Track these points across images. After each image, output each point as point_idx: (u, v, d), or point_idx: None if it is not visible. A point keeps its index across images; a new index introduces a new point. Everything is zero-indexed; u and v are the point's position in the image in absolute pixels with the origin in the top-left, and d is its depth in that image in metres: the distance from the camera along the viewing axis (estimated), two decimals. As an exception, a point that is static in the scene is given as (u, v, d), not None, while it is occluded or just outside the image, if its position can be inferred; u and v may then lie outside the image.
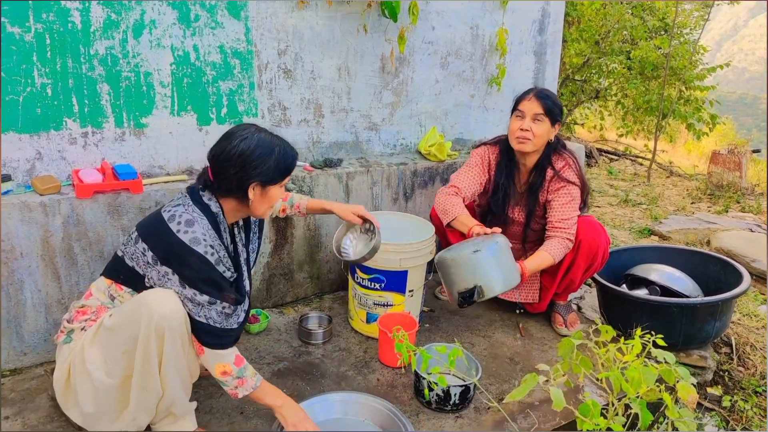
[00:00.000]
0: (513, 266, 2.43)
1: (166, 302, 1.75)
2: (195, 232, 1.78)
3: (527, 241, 2.89)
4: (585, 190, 2.78)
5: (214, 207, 1.89)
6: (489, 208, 2.90)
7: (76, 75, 2.41)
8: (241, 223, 2.06)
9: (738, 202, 5.76)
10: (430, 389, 2.21)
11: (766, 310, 3.42)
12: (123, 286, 1.89)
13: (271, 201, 1.94)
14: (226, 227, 1.93)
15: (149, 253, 1.81)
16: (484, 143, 2.93)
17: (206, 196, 1.90)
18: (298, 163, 2.99)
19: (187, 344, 1.83)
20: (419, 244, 2.68)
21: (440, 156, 3.39)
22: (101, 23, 2.42)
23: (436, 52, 3.40)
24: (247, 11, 2.73)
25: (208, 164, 1.90)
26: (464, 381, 2.29)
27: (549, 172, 2.73)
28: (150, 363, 1.76)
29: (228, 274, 1.90)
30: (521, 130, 2.64)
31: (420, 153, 3.50)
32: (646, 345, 1.55)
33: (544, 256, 2.63)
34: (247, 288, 2.07)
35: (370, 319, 2.76)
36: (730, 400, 2.63)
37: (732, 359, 2.96)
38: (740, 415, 2.60)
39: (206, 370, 2.35)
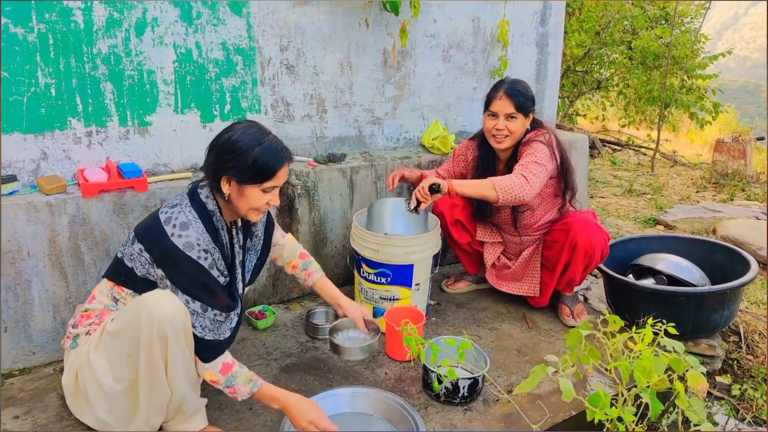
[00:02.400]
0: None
1: (166, 303, 1.74)
2: (189, 237, 1.76)
3: (520, 225, 2.88)
4: (567, 170, 2.75)
5: (210, 205, 1.86)
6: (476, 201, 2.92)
7: (79, 74, 2.41)
8: (240, 223, 2.02)
9: (743, 190, 5.74)
10: (440, 382, 2.22)
11: (773, 298, 3.42)
12: (124, 288, 1.88)
13: (250, 202, 1.83)
14: (224, 225, 1.90)
15: (145, 254, 1.81)
16: (469, 138, 3.03)
17: (204, 193, 1.88)
18: (302, 158, 3.01)
19: (191, 341, 1.82)
20: (425, 237, 2.68)
21: (444, 149, 3.38)
22: (103, 22, 2.41)
23: (438, 45, 3.39)
24: (248, 8, 2.73)
25: None
26: (472, 374, 2.29)
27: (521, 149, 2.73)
28: (155, 365, 1.76)
29: (222, 280, 1.88)
30: (497, 129, 2.68)
31: (423, 146, 3.49)
32: (657, 333, 1.55)
33: (484, 183, 2.53)
34: (240, 291, 2.03)
35: (376, 313, 2.76)
36: (740, 389, 2.63)
37: (740, 348, 2.96)
38: (750, 403, 2.59)
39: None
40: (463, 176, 2.98)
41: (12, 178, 2.33)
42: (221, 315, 1.86)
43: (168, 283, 1.79)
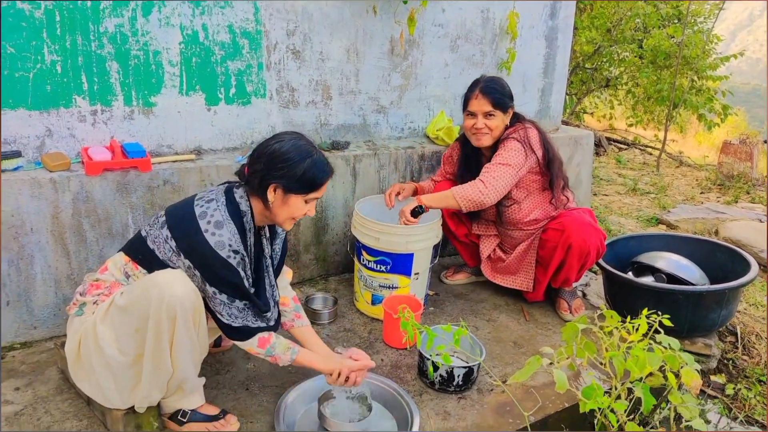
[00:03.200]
0: None
1: (178, 284, 1.76)
2: (222, 236, 1.79)
3: (506, 220, 2.88)
4: (550, 161, 2.74)
5: (243, 206, 1.89)
6: None
7: (85, 53, 2.41)
8: (268, 233, 2.05)
9: (748, 193, 5.72)
10: (435, 368, 2.23)
11: (772, 299, 3.41)
12: (139, 266, 1.89)
13: (291, 210, 1.90)
14: (252, 228, 1.92)
15: (172, 242, 1.82)
16: (456, 140, 3.07)
17: (239, 194, 1.90)
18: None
19: (198, 324, 1.84)
20: (426, 227, 2.68)
21: (448, 140, 3.38)
22: (111, 1, 2.42)
23: (446, 35, 3.38)
24: (256, -9, 2.73)
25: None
26: (467, 363, 2.30)
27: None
28: (161, 343, 1.77)
29: (248, 283, 1.90)
30: (475, 128, 2.70)
31: (428, 137, 3.50)
32: (652, 325, 1.56)
33: (444, 193, 2.64)
34: (276, 298, 2.07)
35: (375, 300, 2.77)
36: (734, 388, 2.63)
37: (737, 348, 2.96)
38: (743, 403, 2.60)
39: (213, 346, 2.39)
40: (455, 176, 2.98)
41: (17, 154, 2.34)
42: (249, 304, 1.89)
43: (196, 273, 1.81)
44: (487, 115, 2.67)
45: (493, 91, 2.66)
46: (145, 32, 2.52)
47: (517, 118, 2.78)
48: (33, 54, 2.31)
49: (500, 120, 2.69)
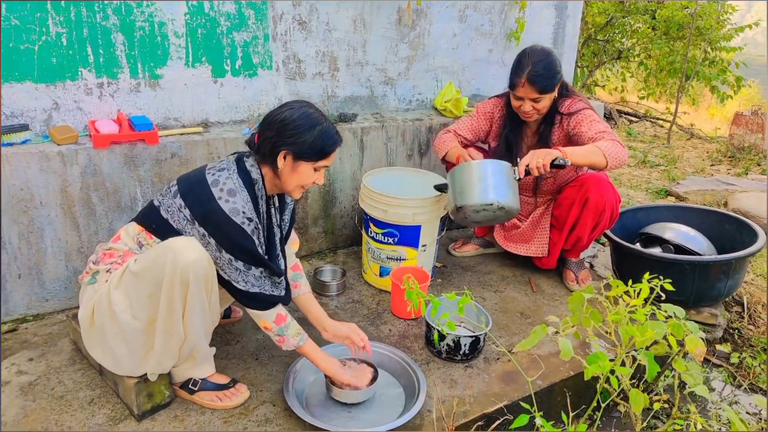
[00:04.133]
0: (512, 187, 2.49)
1: (192, 250, 1.78)
2: (236, 203, 1.81)
3: (539, 192, 2.88)
4: None
5: (255, 174, 1.90)
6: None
7: (90, 24, 2.40)
8: (277, 203, 2.06)
9: (759, 165, 5.66)
10: (441, 338, 2.25)
11: (781, 271, 3.40)
12: (153, 236, 1.91)
13: (301, 178, 1.92)
14: (264, 195, 1.94)
15: (186, 211, 1.83)
16: (494, 96, 2.94)
17: (249, 162, 1.92)
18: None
19: (210, 291, 1.87)
20: (433, 199, 2.68)
21: (456, 112, 3.36)
22: (115, -28, 2.40)
23: (454, 5, 3.34)
24: (261, -39, 2.70)
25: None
26: (474, 332, 2.32)
27: (557, 117, 2.71)
28: (174, 309, 1.80)
29: (261, 250, 1.92)
30: (523, 111, 2.64)
31: (436, 109, 3.48)
32: (654, 289, 1.56)
33: (592, 149, 2.46)
34: (283, 266, 2.07)
35: (383, 272, 2.79)
36: (739, 357, 2.64)
37: (742, 318, 2.97)
38: (747, 371, 2.61)
39: (224, 318, 2.42)
40: (486, 133, 2.92)
41: (24, 127, 2.35)
42: (266, 272, 1.91)
43: (211, 241, 1.82)
44: (535, 100, 2.59)
45: (540, 79, 2.53)
46: (150, 3, 2.50)
47: (565, 89, 2.72)
48: (38, 26, 2.31)
49: (548, 99, 2.62)
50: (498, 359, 2.32)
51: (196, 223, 1.82)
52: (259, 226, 1.88)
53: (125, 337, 1.86)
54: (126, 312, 1.84)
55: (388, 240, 2.72)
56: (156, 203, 1.92)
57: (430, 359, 2.32)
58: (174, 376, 2.02)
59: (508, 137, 2.81)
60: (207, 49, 2.68)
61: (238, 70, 2.79)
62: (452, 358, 2.29)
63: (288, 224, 2.16)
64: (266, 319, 1.96)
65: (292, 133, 1.84)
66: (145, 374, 1.92)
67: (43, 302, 2.49)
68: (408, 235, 2.70)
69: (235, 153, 1.99)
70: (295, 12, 2.86)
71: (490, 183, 2.43)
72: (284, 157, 1.88)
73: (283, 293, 2.00)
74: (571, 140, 2.70)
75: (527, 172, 2.43)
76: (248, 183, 1.87)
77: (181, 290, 1.78)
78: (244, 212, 1.81)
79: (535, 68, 2.53)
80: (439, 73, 3.47)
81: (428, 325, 2.33)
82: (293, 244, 2.30)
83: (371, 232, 2.77)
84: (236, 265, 1.85)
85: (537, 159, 2.40)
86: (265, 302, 1.93)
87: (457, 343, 2.25)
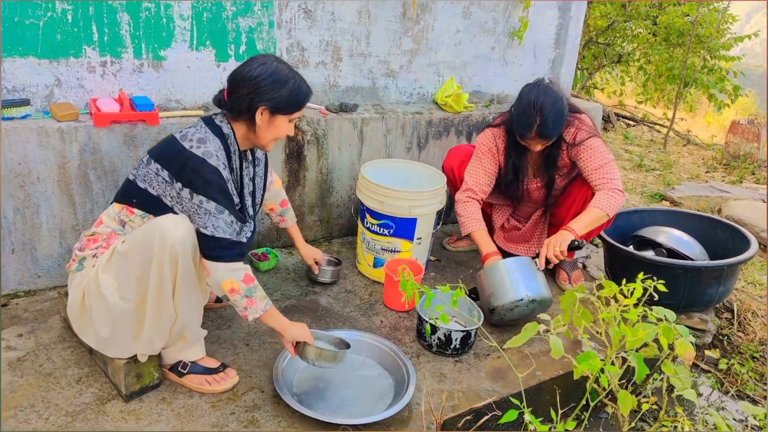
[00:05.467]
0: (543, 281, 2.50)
1: (179, 227, 1.78)
2: (207, 148, 1.84)
3: (549, 208, 2.89)
4: None
5: (225, 128, 1.93)
6: (504, 187, 2.86)
7: (96, 2, 2.39)
8: (250, 157, 2.09)
9: (753, 174, 5.70)
10: (434, 331, 2.26)
11: (770, 279, 3.44)
12: (135, 210, 1.91)
13: (277, 131, 1.96)
14: (237, 150, 1.97)
15: (164, 172, 1.84)
16: (489, 126, 2.83)
17: (218, 119, 1.95)
18: (314, 105, 3.01)
19: (200, 267, 1.87)
20: (430, 192, 2.69)
21: (456, 107, 3.37)
22: (122, -50, 2.39)
23: (458, 1, 3.33)
24: (269, -54, 2.69)
25: (226, 85, 1.95)
26: (465, 327, 2.33)
27: (563, 146, 2.68)
28: (164, 287, 1.80)
29: (235, 199, 1.94)
30: (534, 149, 2.60)
31: (436, 103, 3.48)
32: (647, 290, 1.58)
33: (593, 212, 2.50)
34: (251, 213, 2.12)
35: (377, 263, 2.80)
36: (727, 363, 2.67)
37: (732, 325, 3.00)
38: (735, 378, 2.64)
39: (214, 302, 2.42)
40: (495, 171, 2.80)
41: (25, 102, 2.34)
42: (236, 223, 1.90)
43: (184, 193, 1.82)
44: (545, 146, 2.59)
45: (552, 132, 2.48)
46: (155, -16, 2.49)
47: (570, 110, 2.64)
48: (44, 1, 2.29)
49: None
50: (488, 355, 2.34)
51: (174, 179, 1.83)
52: (231, 176, 1.91)
53: (115, 319, 1.86)
54: (115, 294, 1.84)
55: (383, 231, 2.73)
56: (131, 177, 1.93)
57: (420, 352, 2.33)
58: (164, 357, 2.02)
59: (515, 164, 2.76)
60: (212, 33, 2.67)
61: (241, 55, 2.78)
62: (443, 352, 2.30)
63: (262, 179, 2.21)
64: (233, 277, 1.85)
65: (269, 89, 1.88)
66: (135, 355, 1.92)
67: (36, 278, 2.48)
68: (403, 228, 2.71)
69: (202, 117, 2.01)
70: (301, 0, 2.85)
71: (516, 279, 2.44)
72: (261, 113, 1.90)
73: (246, 239, 2.03)
74: (575, 166, 2.70)
75: (548, 261, 2.46)
76: (220, 135, 1.90)
77: (170, 267, 1.78)
78: (217, 156, 1.84)
79: (545, 122, 2.44)
80: (441, 68, 3.47)
81: (420, 318, 2.34)
82: (275, 183, 2.48)
83: (367, 223, 2.78)
84: (207, 207, 1.82)
85: (554, 248, 2.43)
86: (228, 250, 1.85)
87: (448, 337, 2.26)
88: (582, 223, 2.49)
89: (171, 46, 2.60)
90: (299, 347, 2.01)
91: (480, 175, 2.77)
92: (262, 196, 2.25)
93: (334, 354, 2.03)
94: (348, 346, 2.14)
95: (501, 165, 2.79)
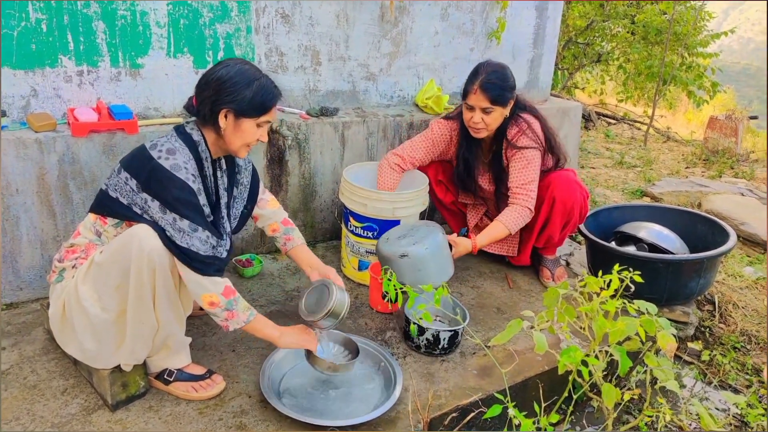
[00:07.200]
0: (448, 263, 2.46)
1: (156, 235, 1.77)
2: (176, 160, 1.79)
3: (501, 205, 2.90)
4: (554, 151, 2.78)
5: (195, 135, 1.89)
6: (458, 179, 2.93)
7: (71, 11, 2.38)
8: (224, 166, 2.03)
9: (732, 168, 5.78)
10: (421, 332, 2.27)
11: (751, 271, 3.48)
12: (107, 219, 1.89)
13: (245, 136, 1.89)
14: (209, 157, 1.92)
15: (132, 182, 1.81)
16: (446, 116, 2.89)
17: (189, 126, 1.92)
18: (295, 110, 3.01)
19: (177, 275, 1.85)
20: (413, 194, 2.70)
21: (437, 109, 3.39)
22: (97, -41, 2.38)
23: (436, 3, 3.36)
24: (245, -48, 2.69)
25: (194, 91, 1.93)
26: (451, 327, 2.34)
27: (504, 143, 2.72)
28: (143, 295, 1.79)
29: (207, 210, 1.88)
30: (473, 122, 2.63)
31: (417, 105, 3.50)
32: (623, 281, 1.60)
33: (497, 228, 2.63)
34: (228, 230, 2.04)
35: (362, 266, 2.80)
36: (709, 355, 2.71)
37: (714, 316, 3.03)
38: (718, 368, 2.68)
39: (199, 309, 2.41)
40: (441, 156, 2.92)
41: (1, 114, 2.32)
42: (212, 237, 1.84)
43: (153, 205, 1.77)
44: (485, 110, 2.58)
45: (493, 87, 2.53)
46: (131, -8, 2.48)
47: (518, 107, 2.70)
48: (17, 11, 2.28)
49: (499, 114, 2.61)
50: (474, 353, 2.35)
51: (142, 189, 1.79)
52: (202, 187, 1.86)
53: (96, 330, 1.85)
54: (95, 305, 1.83)
55: (367, 234, 2.74)
56: (104, 187, 1.91)
57: (408, 353, 2.34)
58: (149, 366, 2.01)
59: (465, 156, 2.82)
60: (189, 39, 2.67)
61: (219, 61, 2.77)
62: (431, 352, 2.31)
63: (246, 189, 2.16)
64: (213, 291, 1.82)
65: (231, 91, 1.82)
66: (120, 365, 1.91)
67: (18, 291, 2.46)
68: (387, 229, 2.71)
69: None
70: (278, 5, 2.86)
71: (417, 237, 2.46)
72: (225, 116, 1.86)
73: (224, 255, 1.92)
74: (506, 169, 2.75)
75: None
76: (190, 144, 1.86)
77: (148, 276, 1.77)
78: (186, 168, 1.79)
79: (489, 77, 2.54)
80: (421, 70, 3.49)
81: (406, 319, 2.35)
82: (269, 203, 2.30)
83: (351, 226, 2.78)
84: (181, 226, 1.78)
85: (456, 254, 2.55)
86: (207, 265, 1.82)
87: (436, 338, 2.27)
88: (484, 239, 2.62)
89: (148, 53, 2.60)
90: (308, 355, 2.03)
91: (419, 149, 2.86)
92: (247, 209, 2.19)
93: (346, 366, 2.05)
94: (356, 346, 2.15)
95: (452, 156, 2.89)
